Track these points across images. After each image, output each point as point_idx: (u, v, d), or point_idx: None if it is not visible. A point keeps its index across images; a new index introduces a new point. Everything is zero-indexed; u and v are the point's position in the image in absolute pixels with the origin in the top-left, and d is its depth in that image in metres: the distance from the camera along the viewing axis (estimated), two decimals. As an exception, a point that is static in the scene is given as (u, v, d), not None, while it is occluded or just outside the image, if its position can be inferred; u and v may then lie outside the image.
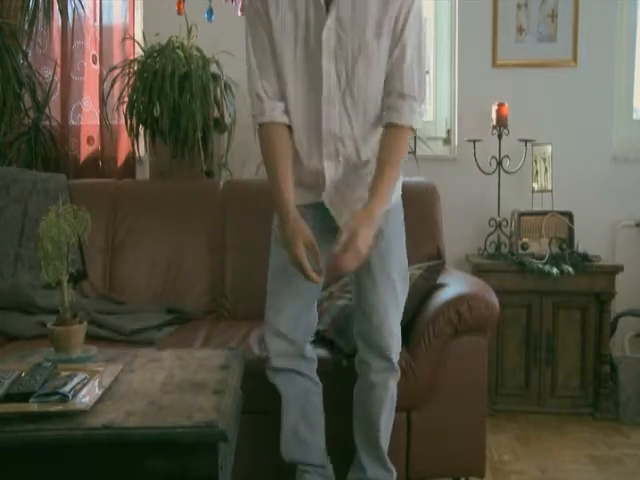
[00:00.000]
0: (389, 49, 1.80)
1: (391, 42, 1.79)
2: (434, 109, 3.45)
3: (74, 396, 1.38)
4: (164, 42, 2.88)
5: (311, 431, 1.99)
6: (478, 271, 3.00)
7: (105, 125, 3.14)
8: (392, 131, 1.81)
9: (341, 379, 2.02)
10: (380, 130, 1.85)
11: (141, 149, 3.03)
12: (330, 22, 1.77)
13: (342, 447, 2.02)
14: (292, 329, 1.93)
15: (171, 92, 2.75)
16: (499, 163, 3.19)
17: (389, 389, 1.95)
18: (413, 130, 1.83)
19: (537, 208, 3.14)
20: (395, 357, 1.93)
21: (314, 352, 2.03)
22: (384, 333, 1.90)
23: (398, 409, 2.00)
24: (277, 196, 1.81)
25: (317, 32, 1.78)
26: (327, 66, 1.79)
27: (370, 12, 1.76)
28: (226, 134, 2.97)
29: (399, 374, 1.96)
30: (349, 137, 1.84)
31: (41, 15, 3.01)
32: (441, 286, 2.30)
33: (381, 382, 1.93)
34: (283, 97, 1.83)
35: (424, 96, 1.87)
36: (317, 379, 2.01)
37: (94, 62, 3.26)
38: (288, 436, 1.98)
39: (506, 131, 3.16)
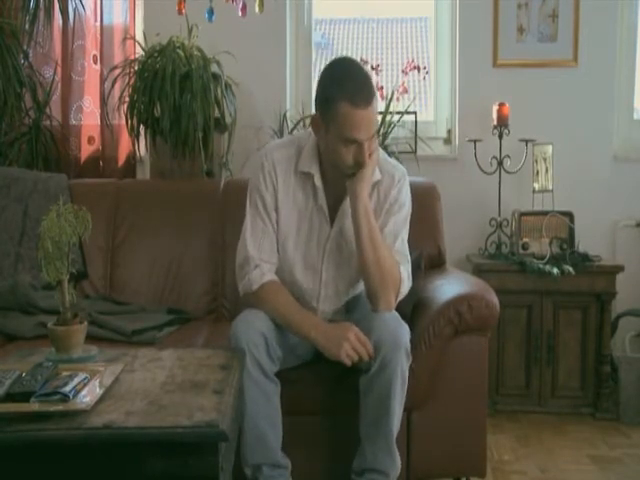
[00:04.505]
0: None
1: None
2: (434, 109, 3.45)
3: (75, 396, 1.38)
4: (165, 42, 2.88)
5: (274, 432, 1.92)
6: (479, 271, 3.00)
7: (106, 125, 3.15)
8: None
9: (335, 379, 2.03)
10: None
11: (142, 149, 3.03)
12: (334, 234, 1.99)
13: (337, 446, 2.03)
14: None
15: (172, 92, 2.75)
16: (500, 163, 3.19)
17: (399, 367, 1.87)
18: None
19: (538, 208, 3.14)
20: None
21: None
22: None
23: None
24: (305, 319, 1.92)
25: (320, 240, 2.00)
26: (326, 269, 2.02)
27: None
28: (226, 134, 2.97)
29: (410, 356, 1.90)
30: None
31: (42, 15, 3.01)
32: (441, 286, 2.30)
33: (392, 361, 1.86)
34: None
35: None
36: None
37: (95, 62, 3.26)
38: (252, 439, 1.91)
39: (507, 131, 3.16)
